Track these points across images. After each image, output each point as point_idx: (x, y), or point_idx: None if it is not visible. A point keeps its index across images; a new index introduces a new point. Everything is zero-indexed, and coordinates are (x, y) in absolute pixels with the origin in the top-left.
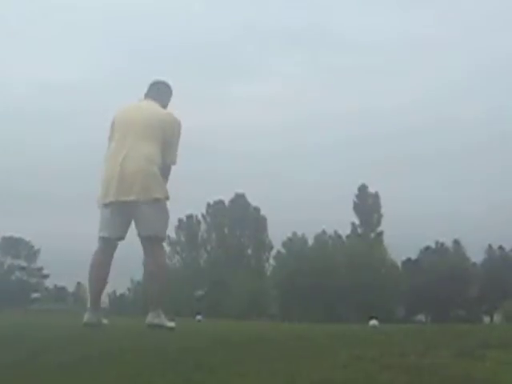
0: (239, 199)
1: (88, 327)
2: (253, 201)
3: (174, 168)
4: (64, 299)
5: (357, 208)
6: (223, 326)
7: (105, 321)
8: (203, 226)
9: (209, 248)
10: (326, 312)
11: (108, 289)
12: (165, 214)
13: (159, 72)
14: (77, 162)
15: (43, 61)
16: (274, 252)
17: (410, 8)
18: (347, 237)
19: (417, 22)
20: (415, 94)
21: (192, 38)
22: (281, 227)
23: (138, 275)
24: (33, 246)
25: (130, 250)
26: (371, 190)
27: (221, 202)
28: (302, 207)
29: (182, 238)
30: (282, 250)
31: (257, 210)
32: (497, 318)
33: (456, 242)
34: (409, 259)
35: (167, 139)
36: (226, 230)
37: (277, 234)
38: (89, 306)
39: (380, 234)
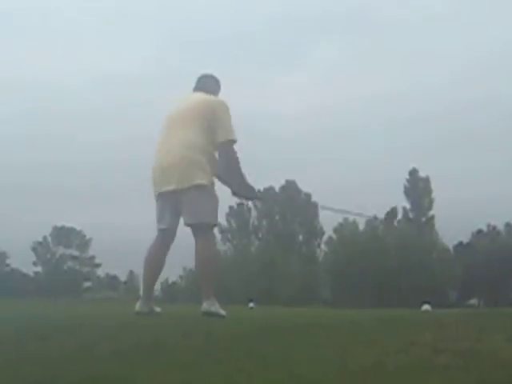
0: (290, 186)
1: (140, 315)
2: (303, 187)
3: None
4: (116, 288)
5: (408, 192)
6: (275, 313)
7: (158, 309)
8: (254, 213)
9: (260, 235)
10: (378, 297)
11: (161, 277)
12: (210, 199)
13: (206, 63)
14: (127, 154)
15: (94, 53)
16: (325, 238)
17: None
18: (398, 221)
19: None
20: (462, 69)
21: (236, 27)
22: (332, 213)
23: (191, 263)
24: (85, 236)
25: (182, 238)
26: (422, 174)
27: (271, 188)
28: (353, 192)
29: (233, 225)
30: (334, 236)
31: (307, 195)
32: None
33: (508, 225)
34: (460, 243)
35: (210, 122)
36: (276, 217)
37: (328, 220)
38: (141, 294)
39: (431, 218)
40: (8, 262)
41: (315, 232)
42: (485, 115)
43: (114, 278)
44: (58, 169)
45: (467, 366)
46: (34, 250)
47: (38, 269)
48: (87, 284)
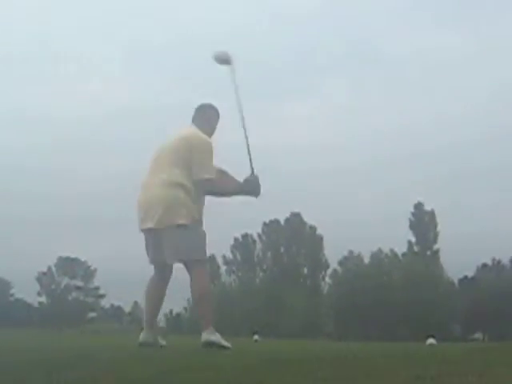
0: (295, 218)
1: (144, 347)
2: (309, 220)
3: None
4: (120, 319)
5: (413, 226)
6: (280, 346)
7: (163, 342)
8: (259, 245)
9: (265, 267)
10: (383, 330)
11: (164, 308)
12: (192, 237)
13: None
14: (131, 186)
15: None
16: (330, 271)
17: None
18: (403, 255)
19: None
20: (466, 106)
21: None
22: (337, 246)
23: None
24: (89, 266)
25: (184, 270)
26: (427, 207)
27: (276, 221)
28: (358, 226)
29: (238, 257)
30: (338, 269)
31: (313, 228)
32: None
33: None
34: (465, 277)
35: (187, 160)
36: (281, 249)
37: (333, 253)
38: (144, 325)
39: (436, 251)
40: (12, 291)
41: (320, 264)
42: (491, 150)
43: (119, 308)
44: (62, 200)
45: None
46: (38, 280)
47: (43, 299)
48: (92, 315)
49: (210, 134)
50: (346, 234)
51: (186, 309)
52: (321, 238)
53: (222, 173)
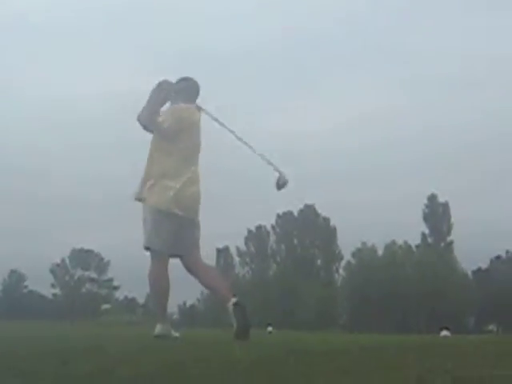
0: (308, 210)
1: (159, 339)
2: (322, 211)
3: (243, 181)
4: (134, 310)
5: (427, 218)
6: (294, 337)
7: (176, 334)
8: (273, 237)
9: (278, 259)
10: (396, 322)
11: (178, 300)
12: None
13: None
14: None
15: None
16: (343, 262)
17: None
18: (417, 247)
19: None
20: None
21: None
22: (350, 237)
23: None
24: (103, 258)
25: None
26: (441, 199)
27: (290, 212)
28: (372, 217)
29: (252, 249)
30: (352, 260)
31: (326, 220)
32: None
33: None
34: (479, 269)
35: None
36: (295, 241)
37: (346, 244)
38: (158, 318)
39: (450, 243)
40: (26, 283)
41: (334, 256)
42: (506, 147)
43: (132, 300)
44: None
45: None
46: (52, 272)
47: (56, 291)
48: (105, 306)
49: (191, 102)
50: (359, 225)
51: (199, 300)
52: (334, 230)
53: None
